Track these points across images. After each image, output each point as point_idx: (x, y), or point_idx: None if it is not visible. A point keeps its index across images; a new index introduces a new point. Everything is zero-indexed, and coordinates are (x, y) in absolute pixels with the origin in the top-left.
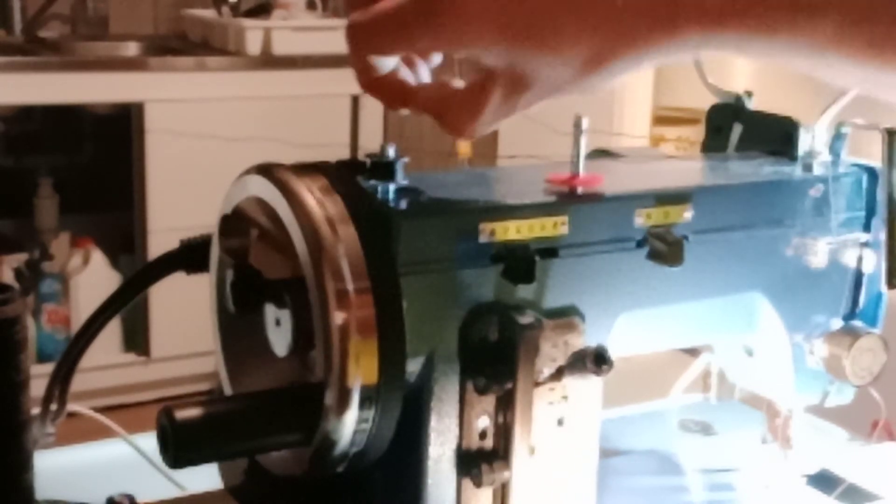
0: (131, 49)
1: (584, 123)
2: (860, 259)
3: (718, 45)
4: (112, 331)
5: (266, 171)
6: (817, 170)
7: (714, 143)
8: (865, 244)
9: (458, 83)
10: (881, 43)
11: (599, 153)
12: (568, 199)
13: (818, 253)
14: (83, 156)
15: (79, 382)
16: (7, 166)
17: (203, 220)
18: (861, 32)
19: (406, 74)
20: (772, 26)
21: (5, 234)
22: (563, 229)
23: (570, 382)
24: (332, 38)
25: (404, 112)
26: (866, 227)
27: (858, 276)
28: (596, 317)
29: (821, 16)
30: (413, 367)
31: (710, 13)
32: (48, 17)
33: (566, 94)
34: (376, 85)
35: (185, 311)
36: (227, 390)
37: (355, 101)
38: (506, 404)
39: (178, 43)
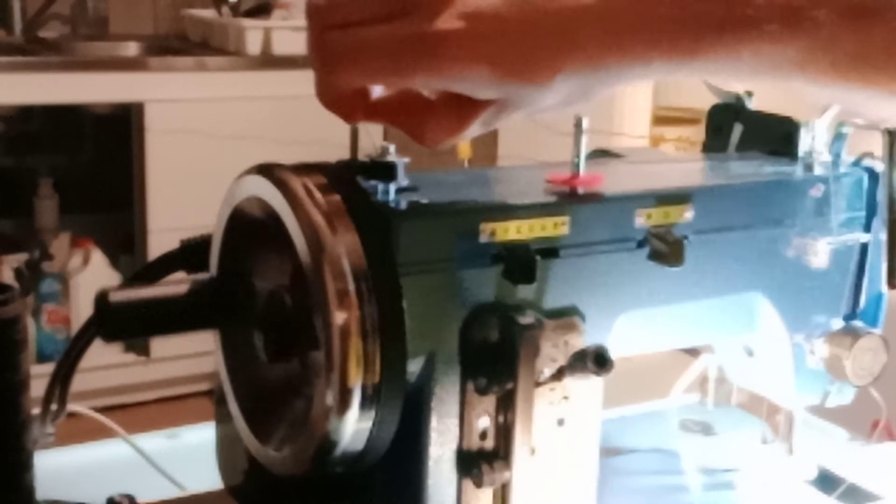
0: (131, 49)
1: (584, 123)
2: (861, 259)
3: (688, 72)
4: None
5: (266, 171)
6: (818, 170)
7: (714, 143)
8: (866, 244)
9: (429, 94)
10: (845, 69)
11: (599, 153)
12: (568, 199)
13: (818, 253)
14: (83, 156)
15: (79, 382)
16: (7, 166)
17: (203, 220)
18: (825, 58)
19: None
20: (737, 53)
21: (5, 234)
22: (564, 229)
23: (571, 382)
24: None
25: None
26: (866, 227)
27: (859, 276)
28: (596, 317)
29: (785, 43)
30: (413, 367)
31: (681, 48)
32: (48, 17)
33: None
34: (340, 101)
35: None
36: (228, 390)
37: None
38: (506, 404)
39: (178, 43)
